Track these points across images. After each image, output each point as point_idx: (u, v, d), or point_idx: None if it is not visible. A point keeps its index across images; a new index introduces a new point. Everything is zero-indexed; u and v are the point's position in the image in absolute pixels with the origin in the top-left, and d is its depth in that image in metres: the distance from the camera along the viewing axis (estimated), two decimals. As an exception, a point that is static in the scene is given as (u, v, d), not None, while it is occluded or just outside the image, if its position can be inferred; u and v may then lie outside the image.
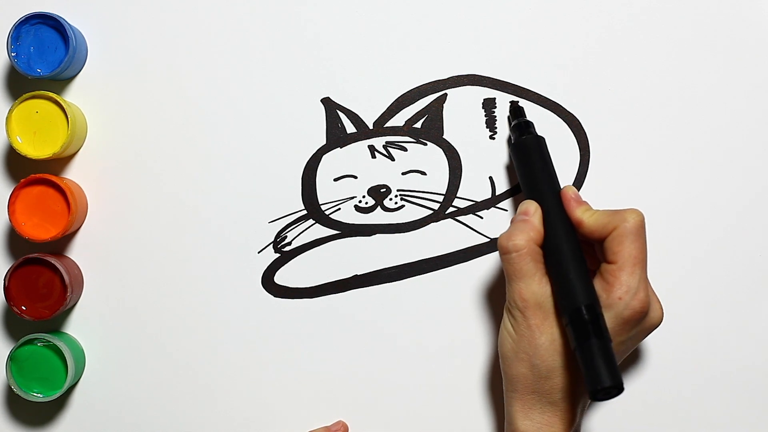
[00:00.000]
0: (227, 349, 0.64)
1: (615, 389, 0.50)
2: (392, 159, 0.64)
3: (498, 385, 0.64)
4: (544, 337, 0.54)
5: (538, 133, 0.61)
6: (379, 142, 0.64)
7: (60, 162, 0.64)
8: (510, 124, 0.63)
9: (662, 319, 0.56)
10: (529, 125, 0.61)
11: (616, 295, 0.53)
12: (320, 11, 0.65)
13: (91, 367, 0.64)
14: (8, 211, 0.61)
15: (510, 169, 0.64)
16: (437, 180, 0.64)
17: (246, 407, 0.64)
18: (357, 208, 0.64)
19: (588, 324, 0.52)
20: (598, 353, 0.51)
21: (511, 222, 0.58)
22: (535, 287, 0.55)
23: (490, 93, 0.64)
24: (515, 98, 0.64)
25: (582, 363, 0.51)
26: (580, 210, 0.56)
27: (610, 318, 0.53)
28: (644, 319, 0.55)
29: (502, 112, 0.64)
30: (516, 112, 0.63)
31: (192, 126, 0.64)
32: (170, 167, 0.64)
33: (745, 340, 0.64)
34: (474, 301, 0.64)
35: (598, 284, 0.54)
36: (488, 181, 0.64)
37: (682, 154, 0.64)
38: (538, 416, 0.55)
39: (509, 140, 0.63)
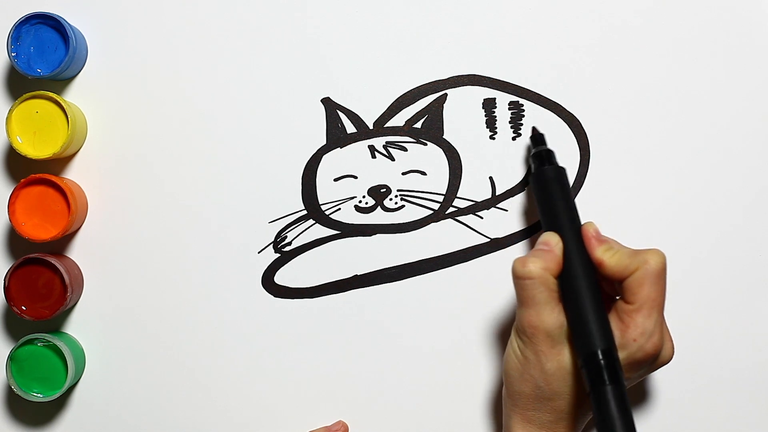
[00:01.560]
0: (227, 349, 0.64)
1: None
2: (392, 159, 0.64)
3: (497, 386, 0.64)
4: (551, 363, 0.54)
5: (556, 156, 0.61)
6: (379, 142, 0.64)
7: (60, 162, 0.64)
8: (530, 152, 0.62)
9: (672, 358, 0.56)
10: (551, 154, 0.60)
11: (630, 337, 0.53)
12: (320, 11, 0.65)
13: (91, 367, 0.64)
14: (8, 211, 0.61)
15: (510, 169, 0.64)
16: (437, 180, 0.64)
17: (246, 407, 0.64)
18: (357, 208, 0.64)
19: (603, 369, 0.51)
20: (613, 401, 0.50)
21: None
22: (545, 316, 0.54)
23: (490, 93, 0.64)
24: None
25: (595, 408, 0.51)
26: (600, 250, 0.55)
27: (622, 357, 0.53)
28: (655, 360, 0.55)
29: (502, 112, 0.64)
30: (537, 139, 0.61)
31: (192, 126, 0.64)
32: (170, 167, 0.64)
33: (745, 341, 0.63)
34: (474, 301, 0.64)
35: (612, 321, 0.54)
36: (488, 181, 0.64)
37: (682, 154, 0.64)
38: (537, 431, 0.55)
39: (529, 170, 0.63)
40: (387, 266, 0.64)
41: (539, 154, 0.60)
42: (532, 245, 0.64)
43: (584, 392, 0.54)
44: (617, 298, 0.56)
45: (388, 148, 0.64)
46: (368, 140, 0.64)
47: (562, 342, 0.54)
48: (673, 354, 0.56)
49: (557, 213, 0.57)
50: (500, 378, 0.63)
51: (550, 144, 0.62)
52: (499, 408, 0.64)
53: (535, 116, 0.64)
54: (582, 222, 0.57)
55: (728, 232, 0.64)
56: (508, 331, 0.64)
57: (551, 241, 0.56)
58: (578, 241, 0.56)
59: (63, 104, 0.61)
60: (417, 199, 0.64)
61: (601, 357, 0.52)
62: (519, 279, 0.55)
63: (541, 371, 0.54)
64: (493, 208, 0.64)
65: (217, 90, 0.64)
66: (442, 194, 0.64)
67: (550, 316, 0.54)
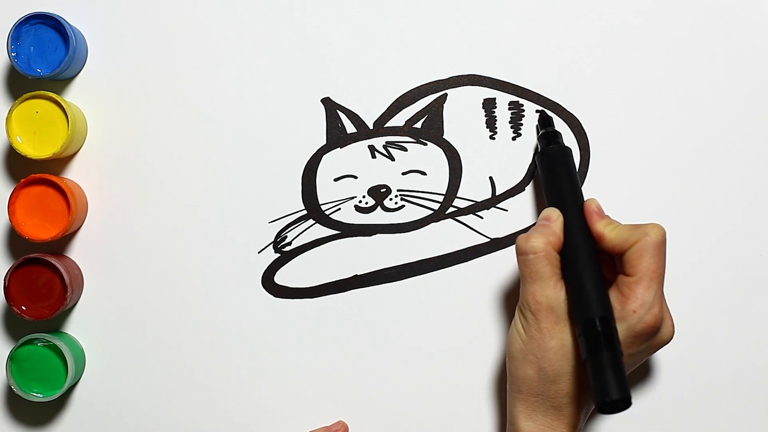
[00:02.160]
0: (227, 349, 0.64)
1: (623, 403, 0.50)
2: (392, 159, 0.64)
3: (497, 385, 0.64)
4: (554, 341, 0.54)
5: (565, 144, 0.62)
6: (379, 142, 0.64)
7: (60, 162, 0.64)
8: (538, 132, 0.63)
9: (672, 337, 0.56)
10: (557, 135, 0.61)
11: (630, 308, 0.53)
12: (320, 11, 0.65)
13: (91, 367, 0.64)
14: (8, 211, 0.61)
15: (510, 169, 0.64)
16: (437, 180, 0.64)
17: (246, 407, 0.64)
18: (357, 208, 0.64)
19: (600, 336, 0.52)
20: (609, 366, 0.51)
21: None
22: (549, 291, 0.55)
23: (490, 93, 0.64)
24: (540, 108, 0.64)
25: (591, 375, 0.51)
26: (602, 223, 0.56)
27: (622, 330, 0.53)
28: (656, 335, 0.55)
29: (502, 112, 0.64)
30: (544, 121, 0.63)
31: (192, 126, 0.64)
32: (170, 167, 0.64)
33: (745, 341, 0.63)
34: (474, 301, 0.64)
35: (613, 295, 0.54)
36: (488, 181, 0.64)
37: (682, 154, 0.64)
38: (541, 418, 0.55)
39: (536, 149, 0.63)
40: (387, 266, 0.64)
41: (546, 134, 0.61)
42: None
43: (586, 376, 0.54)
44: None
45: (388, 148, 0.64)
46: (368, 140, 0.64)
47: (565, 319, 0.55)
48: (673, 333, 0.56)
49: (561, 189, 0.59)
50: (500, 377, 0.64)
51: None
52: (499, 406, 0.64)
53: (534, 116, 0.64)
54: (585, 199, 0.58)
55: (728, 232, 0.64)
56: (508, 330, 0.64)
57: (552, 215, 0.57)
58: (580, 217, 0.57)
59: (63, 104, 0.61)
60: (417, 199, 0.64)
61: (598, 325, 0.52)
62: (523, 254, 0.55)
63: (544, 350, 0.54)
64: (493, 208, 0.64)
65: (217, 90, 0.64)
66: (442, 194, 0.64)
67: (554, 290, 0.55)
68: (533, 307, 0.55)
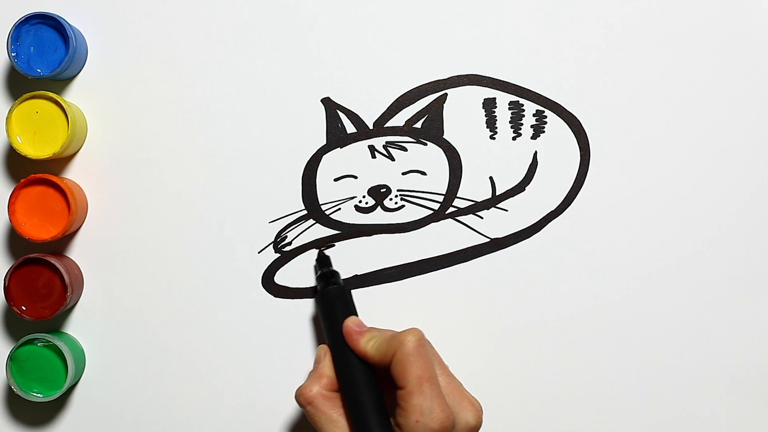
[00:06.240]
0: (227, 348, 0.64)
1: None
2: (392, 159, 0.64)
3: (497, 385, 0.64)
4: None
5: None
6: (379, 142, 0.64)
7: (60, 162, 0.64)
8: (316, 272, 0.63)
9: (481, 419, 0.55)
10: (335, 275, 0.61)
11: (412, 420, 0.53)
12: (320, 11, 0.65)
13: (91, 367, 0.64)
14: (8, 211, 0.61)
15: (510, 169, 0.64)
16: (437, 180, 0.64)
17: (246, 407, 0.64)
18: (357, 208, 0.64)
19: None
20: None
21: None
22: None
23: (490, 93, 0.64)
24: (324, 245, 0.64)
25: None
26: (363, 341, 0.57)
27: None
28: (455, 429, 0.54)
29: (502, 112, 0.64)
30: (322, 261, 0.62)
31: (192, 126, 0.64)
32: (170, 167, 0.64)
33: (745, 341, 0.63)
34: (474, 301, 0.64)
35: (398, 412, 0.54)
36: (488, 181, 0.64)
37: (682, 154, 0.64)
38: None
39: (315, 289, 0.63)
40: (387, 266, 0.64)
41: (324, 275, 0.61)
42: (531, 245, 0.64)
43: None
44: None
45: (388, 148, 0.64)
46: (368, 140, 0.64)
47: None
48: (479, 415, 0.55)
49: (336, 326, 0.58)
50: (499, 377, 0.63)
51: (550, 143, 0.62)
52: (498, 405, 0.64)
53: (535, 116, 0.64)
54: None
55: (728, 231, 0.64)
56: (508, 331, 0.64)
57: (318, 356, 0.58)
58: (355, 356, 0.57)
59: (63, 104, 0.61)
60: (417, 199, 0.64)
61: None
62: (302, 406, 0.57)
63: None
64: (493, 208, 0.64)
65: (217, 90, 0.64)
66: (442, 194, 0.64)
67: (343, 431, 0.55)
68: None
